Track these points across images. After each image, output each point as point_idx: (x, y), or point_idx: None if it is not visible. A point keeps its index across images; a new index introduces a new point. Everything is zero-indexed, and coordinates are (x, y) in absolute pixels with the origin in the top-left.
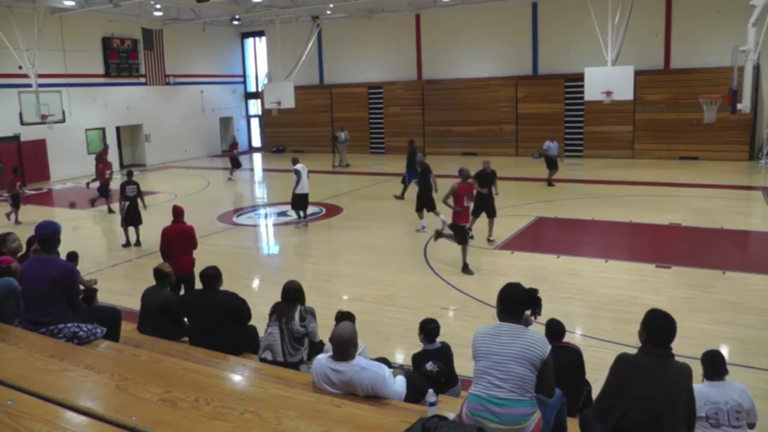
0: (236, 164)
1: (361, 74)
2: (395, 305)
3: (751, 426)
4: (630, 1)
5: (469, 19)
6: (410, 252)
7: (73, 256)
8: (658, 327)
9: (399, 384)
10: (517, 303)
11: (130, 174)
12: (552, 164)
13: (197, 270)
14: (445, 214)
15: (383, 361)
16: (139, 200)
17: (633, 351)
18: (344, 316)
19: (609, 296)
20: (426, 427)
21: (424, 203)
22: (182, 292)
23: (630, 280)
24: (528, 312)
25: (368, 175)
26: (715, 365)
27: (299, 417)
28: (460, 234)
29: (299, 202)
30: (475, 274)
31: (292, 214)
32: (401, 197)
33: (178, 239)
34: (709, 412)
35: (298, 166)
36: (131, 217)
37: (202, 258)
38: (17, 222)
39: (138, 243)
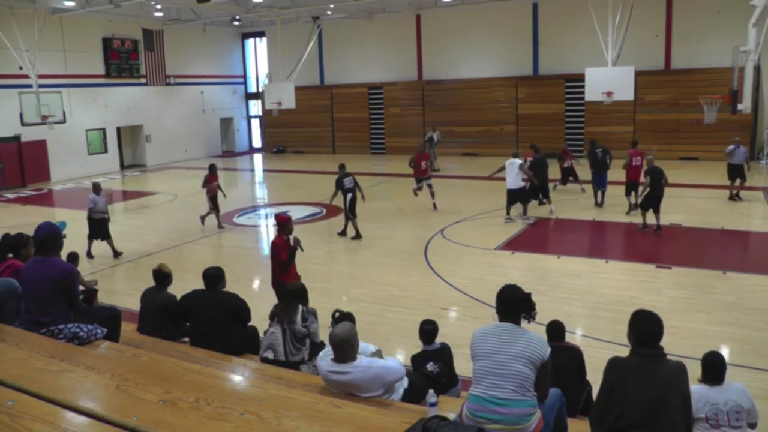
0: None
1: (362, 75)
2: (396, 306)
3: (752, 426)
4: (630, 1)
5: (470, 19)
6: (410, 252)
7: (73, 257)
8: (644, 328)
9: (390, 361)
10: (511, 304)
11: (342, 167)
12: (737, 173)
13: (199, 270)
14: None
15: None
16: (358, 192)
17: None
18: (343, 316)
19: (609, 297)
20: (426, 427)
21: (650, 203)
22: None
23: (630, 280)
24: (522, 316)
25: (369, 176)
26: (714, 373)
27: (300, 417)
28: None
29: (510, 197)
30: (475, 274)
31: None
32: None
33: (271, 252)
34: (708, 413)
35: (509, 160)
36: (353, 209)
37: (204, 258)
38: (219, 226)
39: (358, 236)
